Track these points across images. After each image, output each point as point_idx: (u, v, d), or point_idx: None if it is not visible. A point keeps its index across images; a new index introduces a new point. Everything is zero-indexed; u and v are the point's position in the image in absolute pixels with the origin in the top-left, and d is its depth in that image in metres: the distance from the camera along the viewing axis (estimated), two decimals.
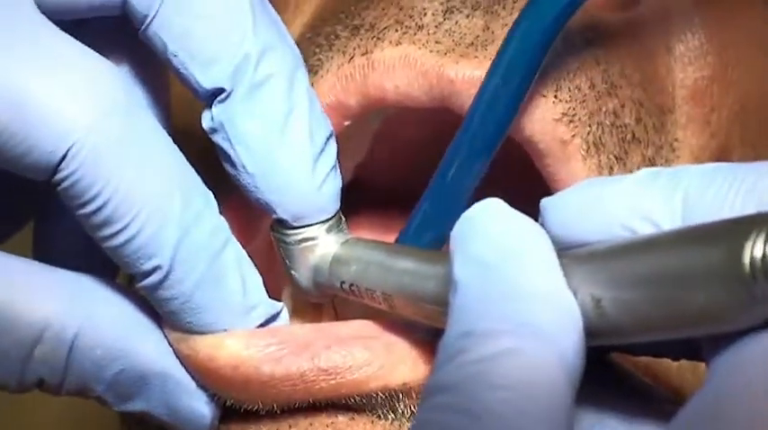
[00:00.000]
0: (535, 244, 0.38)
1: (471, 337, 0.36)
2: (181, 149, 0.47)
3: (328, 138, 0.48)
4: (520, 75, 0.48)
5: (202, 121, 0.48)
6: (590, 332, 0.37)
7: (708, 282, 0.34)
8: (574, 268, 0.37)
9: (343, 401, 0.47)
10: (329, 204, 0.48)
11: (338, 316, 0.51)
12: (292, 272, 0.50)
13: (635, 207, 0.39)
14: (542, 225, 0.41)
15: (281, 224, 0.49)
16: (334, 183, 0.48)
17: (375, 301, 0.47)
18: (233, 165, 0.47)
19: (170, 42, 0.46)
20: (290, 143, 0.47)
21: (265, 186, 0.47)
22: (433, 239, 0.49)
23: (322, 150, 0.48)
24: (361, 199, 0.58)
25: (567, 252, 0.39)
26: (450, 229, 0.43)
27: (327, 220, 0.49)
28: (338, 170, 0.49)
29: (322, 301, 0.51)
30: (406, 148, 0.51)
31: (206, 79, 0.46)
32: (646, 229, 0.39)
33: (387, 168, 0.54)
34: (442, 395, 0.36)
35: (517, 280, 0.37)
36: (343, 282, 0.48)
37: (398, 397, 0.47)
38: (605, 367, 0.44)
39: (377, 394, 0.46)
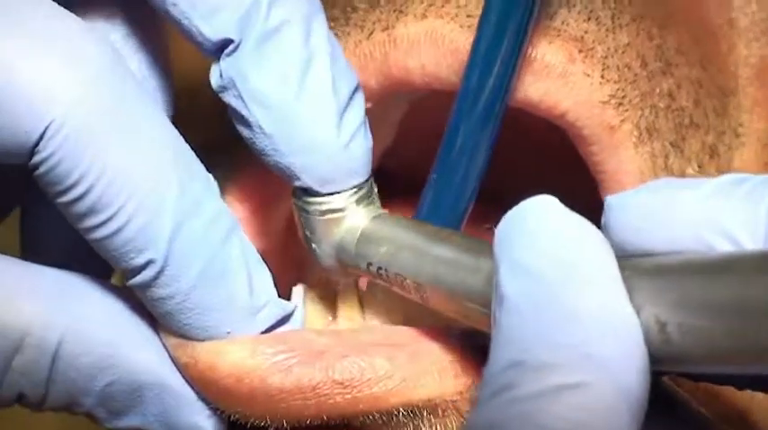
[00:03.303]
0: (595, 253, 0.35)
1: (521, 369, 0.33)
2: (180, 129, 0.44)
3: (354, 91, 0.45)
4: (513, 27, 0.45)
5: (211, 79, 0.44)
6: (651, 358, 0.34)
7: None
8: (638, 283, 0.35)
9: (361, 419, 0.44)
10: (359, 166, 0.44)
11: (362, 302, 0.48)
12: (313, 245, 0.46)
13: (712, 218, 0.36)
14: (604, 226, 0.38)
15: (305, 192, 0.45)
16: (364, 142, 0.45)
17: (405, 290, 0.43)
18: (247, 125, 0.44)
19: None
20: (310, 97, 0.43)
21: (285, 148, 0.43)
22: (448, 218, 0.46)
23: (347, 104, 0.44)
24: (387, 190, 0.54)
25: (629, 261, 0.36)
26: (465, 205, 0.41)
27: (358, 190, 0.45)
28: (368, 127, 0.45)
29: (345, 280, 0.47)
30: (435, 135, 0.47)
31: (211, 30, 0.43)
32: (723, 246, 0.36)
33: (415, 157, 0.51)
34: None
35: (573, 298, 0.34)
36: (370, 264, 0.44)
37: (422, 415, 0.44)
38: (655, 392, 0.40)
39: (398, 411, 0.43)
